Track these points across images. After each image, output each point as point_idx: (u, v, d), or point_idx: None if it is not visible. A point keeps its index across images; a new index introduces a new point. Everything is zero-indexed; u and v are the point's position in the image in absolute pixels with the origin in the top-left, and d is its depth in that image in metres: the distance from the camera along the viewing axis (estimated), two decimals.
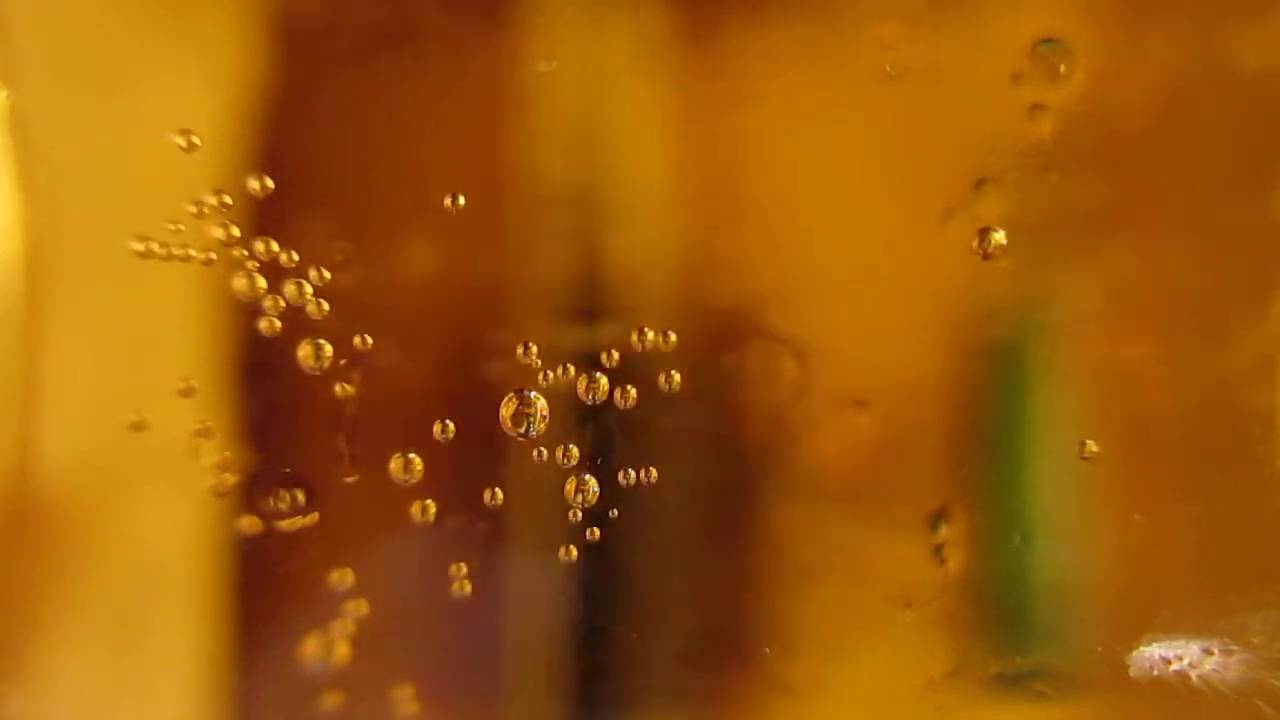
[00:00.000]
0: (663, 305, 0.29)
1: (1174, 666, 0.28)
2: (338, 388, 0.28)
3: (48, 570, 0.29)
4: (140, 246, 0.28)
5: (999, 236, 0.27)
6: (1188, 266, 0.29)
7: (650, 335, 0.28)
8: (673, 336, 0.28)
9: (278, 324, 0.28)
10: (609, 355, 0.28)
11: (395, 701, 0.29)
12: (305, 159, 0.29)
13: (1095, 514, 0.29)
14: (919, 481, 0.29)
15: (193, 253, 0.28)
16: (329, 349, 0.28)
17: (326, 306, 0.28)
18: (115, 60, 0.29)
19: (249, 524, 0.28)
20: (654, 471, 0.28)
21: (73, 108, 0.29)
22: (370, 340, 0.28)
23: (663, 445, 0.28)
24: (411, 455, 0.28)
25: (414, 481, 0.28)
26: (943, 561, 0.28)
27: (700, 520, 0.29)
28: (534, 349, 0.28)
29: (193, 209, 0.28)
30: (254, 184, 0.28)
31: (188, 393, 0.28)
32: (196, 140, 0.28)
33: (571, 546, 0.28)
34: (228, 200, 0.28)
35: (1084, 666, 0.29)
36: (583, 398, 0.28)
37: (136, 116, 0.29)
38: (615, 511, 0.28)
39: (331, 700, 0.29)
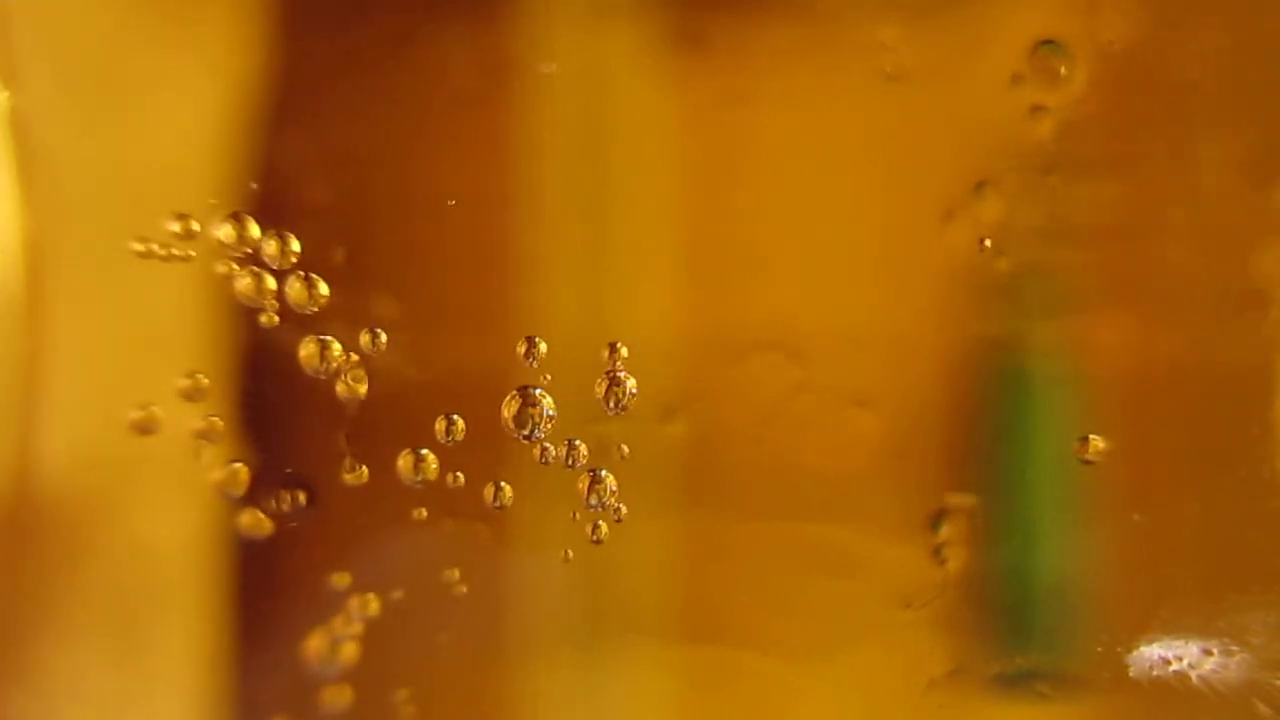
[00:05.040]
0: (663, 304, 0.29)
1: (1173, 667, 0.28)
2: (339, 387, 0.28)
3: (49, 570, 0.29)
4: (141, 247, 0.28)
5: None
6: (1188, 267, 0.29)
7: (652, 333, 0.28)
8: (674, 334, 0.28)
9: (279, 323, 0.28)
10: (611, 353, 0.28)
11: (397, 702, 0.29)
12: (306, 160, 0.29)
13: (1095, 514, 0.29)
14: (919, 481, 0.29)
15: (193, 253, 0.28)
16: (330, 349, 0.28)
17: (326, 307, 0.28)
18: (116, 61, 0.29)
19: (250, 524, 0.28)
20: (656, 470, 0.28)
21: (74, 109, 0.29)
22: (371, 340, 0.28)
23: (664, 444, 0.28)
24: (414, 455, 0.28)
25: (417, 481, 0.28)
26: (943, 562, 0.28)
27: (700, 520, 0.29)
28: (535, 349, 0.28)
29: (193, 209, 0.28)
30: (255, 185, 0.28)
31: (189, 393, 0.28)
32: (199, 142, 0.28)
33: (573, 547, 0.28)
34: (220, 203, 0.28)
35: (1084, 666, 0.29)
36: (584, 397, 0.28)
37: (137, 117, 0.29)
38: (621, 509, 0.28)
39: (333, 700, 0.29)
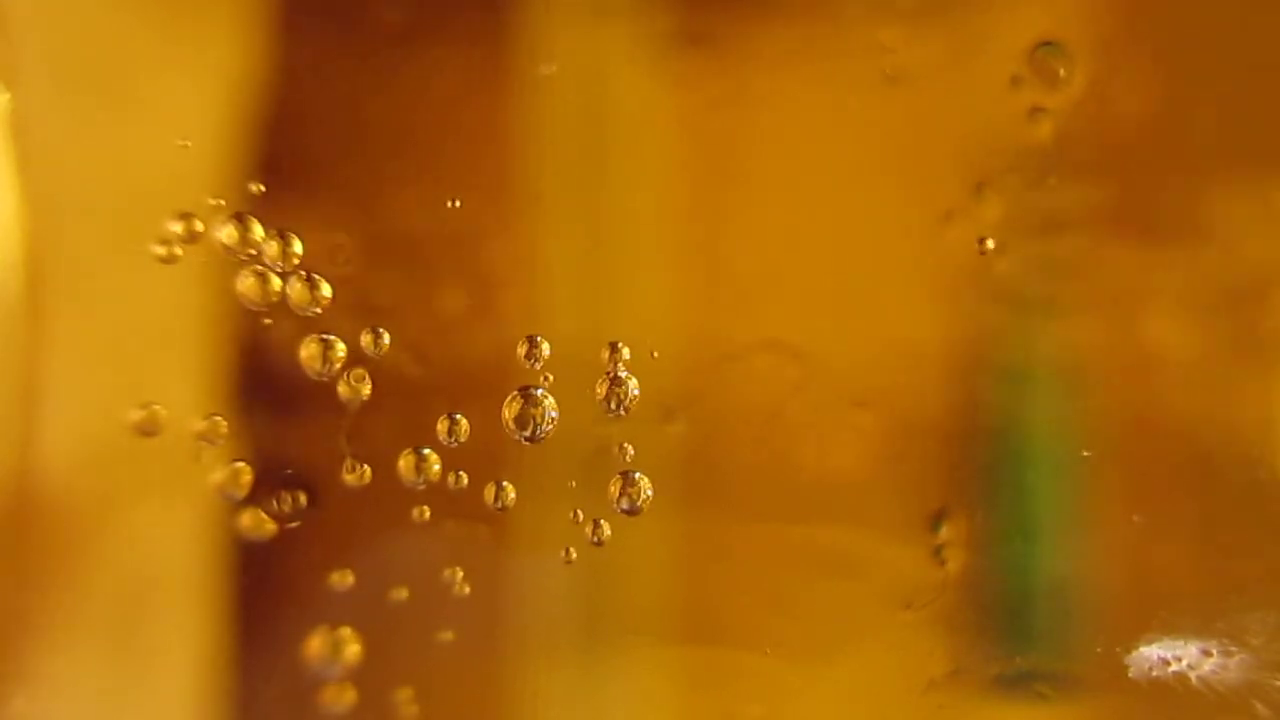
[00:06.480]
0: (663, 305, 0.29)
1: (1173, 667, 0.28)
2: (341, 388, 0.28)
3: (49, 571, 0.29)
4: (142, 247, 0.28)
5: None
6: (1187, 268, 0.29)
7: (651, 334, 0.28)
8: (674, 335, 0.28)
9: (279, 324, 0.28)
10: (612, 354, 0.28)
11: (398, 702, 0.29)
12: (306, 160, 0.29)
13: (1095, 514, 0.29)
14: (919, 481, 0.29)
15: (194, 253, 0.28)
16: (331, 349, 0.28)
17: (328, 307, 0.28)
18: (116, 61, 0.29)
19: (250, 525, 0.28)
20: (656, 471, 0.28)
21: (74, 109, 0.29)
22: (373, 340, 0.28)
23: (664, 445, 0.28)
24: (415, 455, 0.28)
25: (418, 482, 0.28)
26: (943, 563, 0.28)
27: (701, 520, 0.29)
28: (536, 349, 0.28)
29: (194, 209, 0.28)
30: (255, 184, 0.28)
31: (190, 394, 0.28)
32: (200, 141, 0.28)
33: (574, 548, 0.28)
34: (222, 203, 0.28)
35: (1083, 667, 0.29)
36: (585, 398, 0.28)
37: (138, 118, 0.29)
38: (622, 506, 0.28)
39: (334, 700, 0.29)
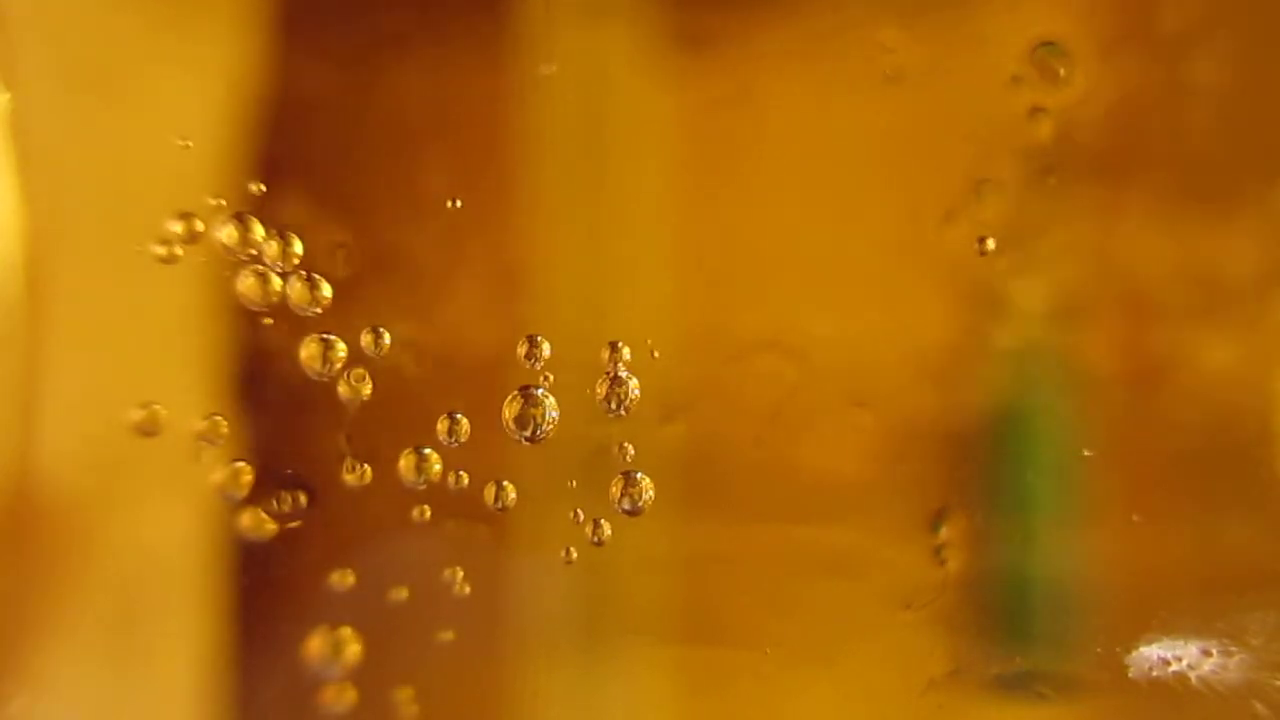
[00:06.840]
0: (663, 305, 0.29)
1: (1173, 667, 0.28)
2: (341, 388, 0.28)
3: (49, 571, 0.29)
4: (142, 247, 0.28)
5: None
6: (1187, 267, 0.29)
7: (651, 334, 0.28)
8: (674, 335, 0.28)
9: (279, 324, 0.28)
10: (612, 353, 0.28)
11: (399, 702, 0.29)
12: (306, 160, 0.29)
13: (1095, 514, 0.29)
14: (919, 481, 0.29)
15: (195, 253, 0.28)
16: (331, 349, 0.28)
17: (327, 307, 0.28)
18: (116, 61, 0.29)
19: (251, 525, 0.28)
20: (656, 471, 0.28)
21: (74, 109, 0.29)
22: (373, 340, 0.28)
23: (664, 445, 0.28)
24: (415, 455, 0.28)
25: (418, 482, 0.28)
26: (943, 563, 0.28)
27: (701, 520, 0.29)
28: (536, 349, 0.28)
29: (194, 209, 0.28)
30: (255, 185, 0.28)
31: (190, 394, 0.28)
32: (200, 141, 0.28)
33: (574, 548, 0.28)
34: (222, 203, 0.28)
35: (1083, 667, 0.29)
36: (585, 398, 0.28)
37: (138, 118, 0.29)
38: (624, 506, 0.28)
39: (334, 701, 0.29)
